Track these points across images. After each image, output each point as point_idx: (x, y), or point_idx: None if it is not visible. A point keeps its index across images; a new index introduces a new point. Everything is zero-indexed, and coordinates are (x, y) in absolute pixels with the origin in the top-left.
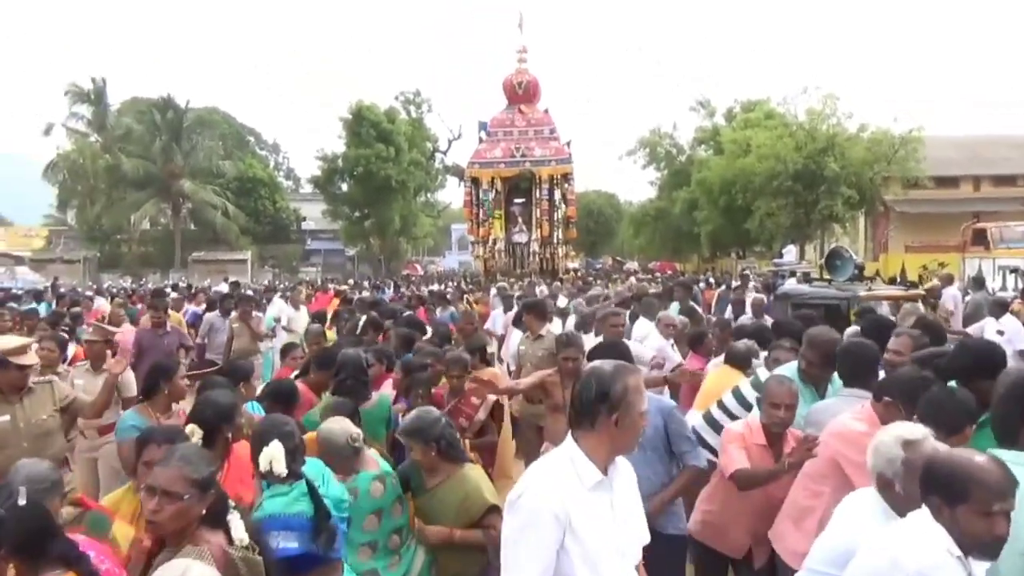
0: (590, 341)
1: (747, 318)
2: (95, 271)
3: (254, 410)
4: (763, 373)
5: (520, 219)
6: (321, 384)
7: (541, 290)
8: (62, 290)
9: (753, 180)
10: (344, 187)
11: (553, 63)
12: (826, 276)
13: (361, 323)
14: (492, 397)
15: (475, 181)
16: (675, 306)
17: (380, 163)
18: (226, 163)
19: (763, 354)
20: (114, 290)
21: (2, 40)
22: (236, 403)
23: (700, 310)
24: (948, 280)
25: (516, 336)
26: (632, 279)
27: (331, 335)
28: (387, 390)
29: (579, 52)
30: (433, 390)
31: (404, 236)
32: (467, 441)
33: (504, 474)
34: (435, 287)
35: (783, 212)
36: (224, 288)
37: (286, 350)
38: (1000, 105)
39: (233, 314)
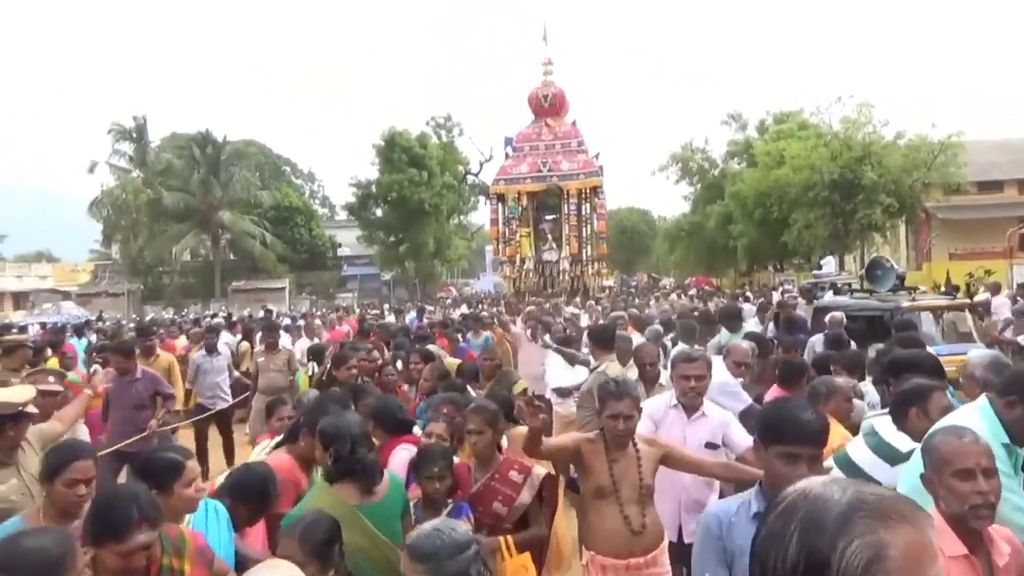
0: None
1: (813, 341)
2: (139, 303)
3: (208, 520)
4: (883, 426)
5: (550, 236)
6: (313, 455)
7: (571, 311)
8: (101, 324)
9: (788, 191)
10: (378, 212)
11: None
12: (867, 287)
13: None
14: (540, 470)
15: (501, 198)
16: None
17: (413, 188)
18: (263, 193)
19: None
20: (158, 321)
21: (49, 83)
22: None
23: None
24: (996, 289)
25: (555, 366)
26: (673, 296)
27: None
28: (398, 464)
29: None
30: (456, 459)
31: (438, 259)
32: (508, 538)
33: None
34: (462, 310)
35: (820, 223)
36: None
37: (272, 407)
38: None
39: (259, 347)
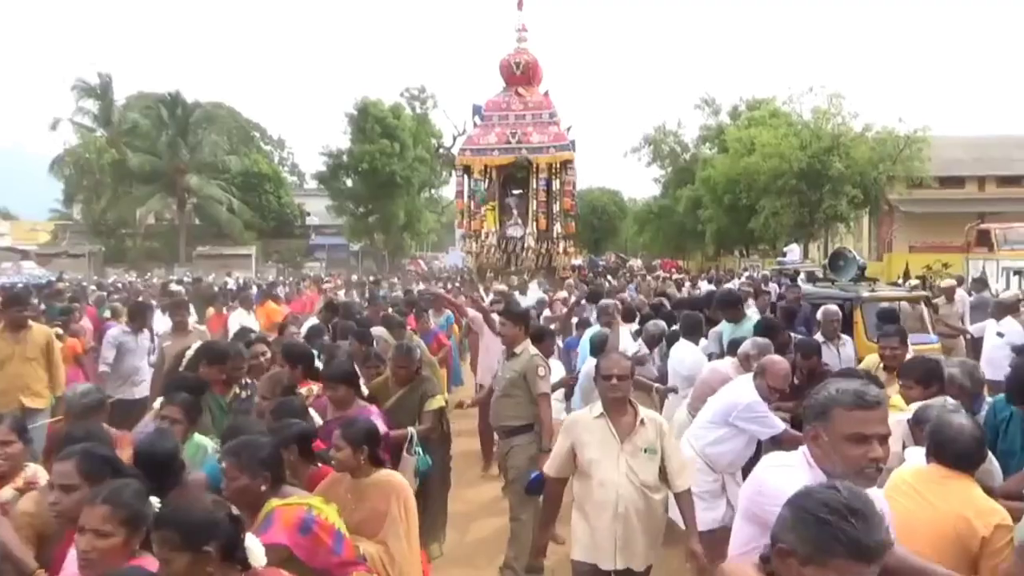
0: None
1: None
2: (100, 265)
3: None
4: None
5: (515, 212)
6: None
7: (540, 291)
8: (60, 285)
9: (758, 179)
10: (349, 183)
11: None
12: (830, 276)
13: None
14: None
15: (466, 170)
16: (725, 324)
17: (385, 159)
18: (231, 158)
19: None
20: (119, 285)
21: (8, 35)
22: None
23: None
24: (958, 282)
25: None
26: (650, 279)
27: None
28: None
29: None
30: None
31: (408, 232)
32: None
33: None
34: (420, 287)
35: (787, 211)
36: (231, 284)
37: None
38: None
39: (163, 328)
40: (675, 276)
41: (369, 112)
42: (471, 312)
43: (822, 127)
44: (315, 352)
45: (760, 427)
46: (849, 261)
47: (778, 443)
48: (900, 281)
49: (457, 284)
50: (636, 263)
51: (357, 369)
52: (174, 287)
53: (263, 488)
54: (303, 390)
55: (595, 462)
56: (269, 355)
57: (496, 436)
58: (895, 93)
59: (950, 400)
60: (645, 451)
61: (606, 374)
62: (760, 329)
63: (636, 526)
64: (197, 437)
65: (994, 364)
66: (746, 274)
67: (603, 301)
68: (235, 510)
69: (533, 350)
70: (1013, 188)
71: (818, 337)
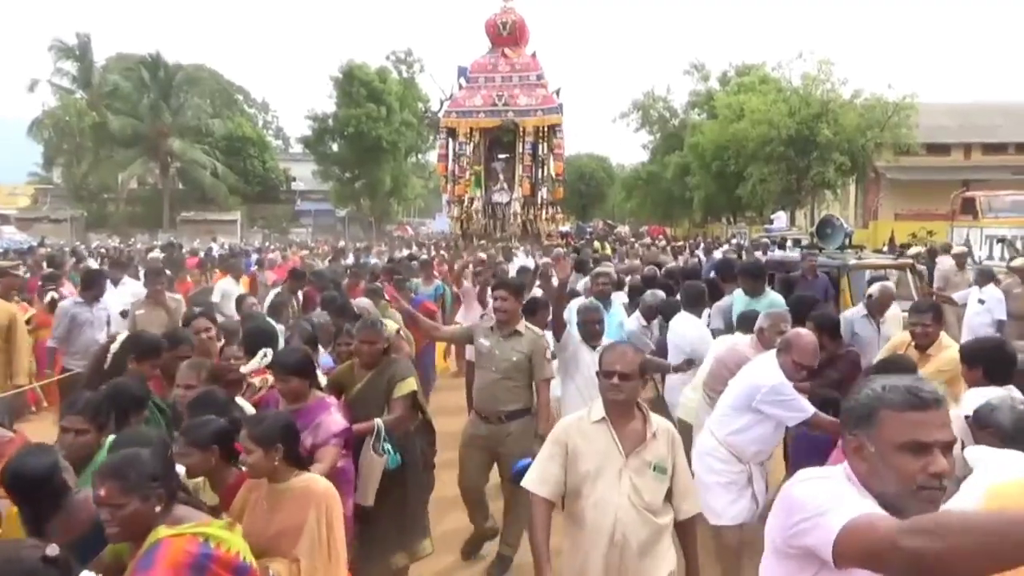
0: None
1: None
2: (82, 231)
3: None
4: None
5: (501, 176)
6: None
7: (527, 258)
8: (43, 250)
9: (746, 145)
10: (334, 147)
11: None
12: (817, 243)
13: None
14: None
15: (451, 132)
16: (739, 294)
17: (371, 123)
18: (215, 122)
19: None
20: (102, 250)
21: None
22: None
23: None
24: (945, 249)
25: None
26: (639, 246)
27: None
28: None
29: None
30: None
31: (395, 197)
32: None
33: None
34: (402, 252)
35: (775, 178)
36: (215, 250)
37: None
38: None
39: (135, 298)
40: (676, 244)
41: (355, 75)
42: (466, 284)
43: (811, 93)
44: (277, 329)
45: (786, 411)
46: (836, 229)
47: (808, 428)
48: (884, 249)
49: (442, 251)
50: (624, 230)
51: (318, 354)
52: (155, 254)
53: (157, 510)
54: (257, 380)
55: (591, 477)
56: (213, 332)
57: (483, 419)
58: (884, 59)
59: (1016, 392)
60: (654, 468)
61: (608, 370)
62: (795, 304)
63: (636, 557)
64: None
65: (974, 331)
66: (734, 241)
67: (598, 269)
68: (52, 550)
69: (537, 330)
70: (998, 156)
71: (857, 311)
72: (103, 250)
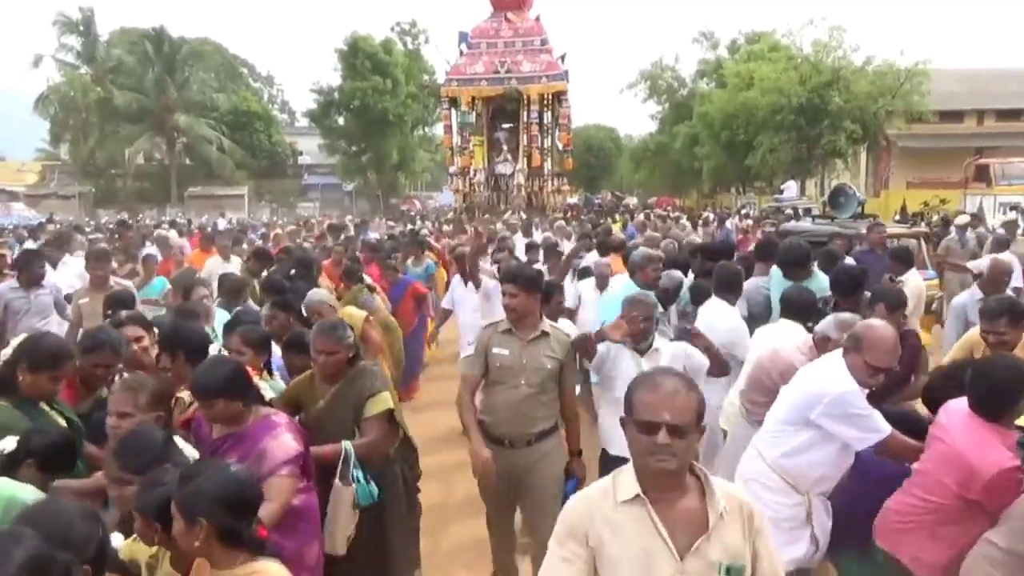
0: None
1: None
2: (91, 207)
3: None
4: None
5: (505, 147)
6: None
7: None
8: (51, 227)
9: (756, 114)
10: (340, 121)
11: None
12: (829, 213)
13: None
14: None
15: (453, 102)
16: (776, 274)
17: (377, 96)
18: (220, 96)
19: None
20: (110, 226)
21: None
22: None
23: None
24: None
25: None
26: (655, 217)
27: None
28: None
29: None
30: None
31: (402, 171)
32: None
33: None
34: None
35: (785, 147)
36: (222, 225)
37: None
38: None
39: (83, 284)
40: (702, 215)
41: (359, 48)
42: (486, 281)
43: (822, 61)
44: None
45: (856, 430)
46: (849, 197)
47: (883, 453)
48: (897, 218)
49: (446, 225)
50: (632, 201)
51: (266, 355)
52: (162, 231)
53: None
54: (185, 393)
55: None
56: (147, 341)
57: (500, 445)
58: (896, 25)
59: None
60: (727, 572)
61: (650, 419)
62: (841, 284)
63: None
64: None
65: None
66: (743, 211)
67: (648, 252)
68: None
69: (562, 327)
70: (1012, 122)
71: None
72: (111, 226)
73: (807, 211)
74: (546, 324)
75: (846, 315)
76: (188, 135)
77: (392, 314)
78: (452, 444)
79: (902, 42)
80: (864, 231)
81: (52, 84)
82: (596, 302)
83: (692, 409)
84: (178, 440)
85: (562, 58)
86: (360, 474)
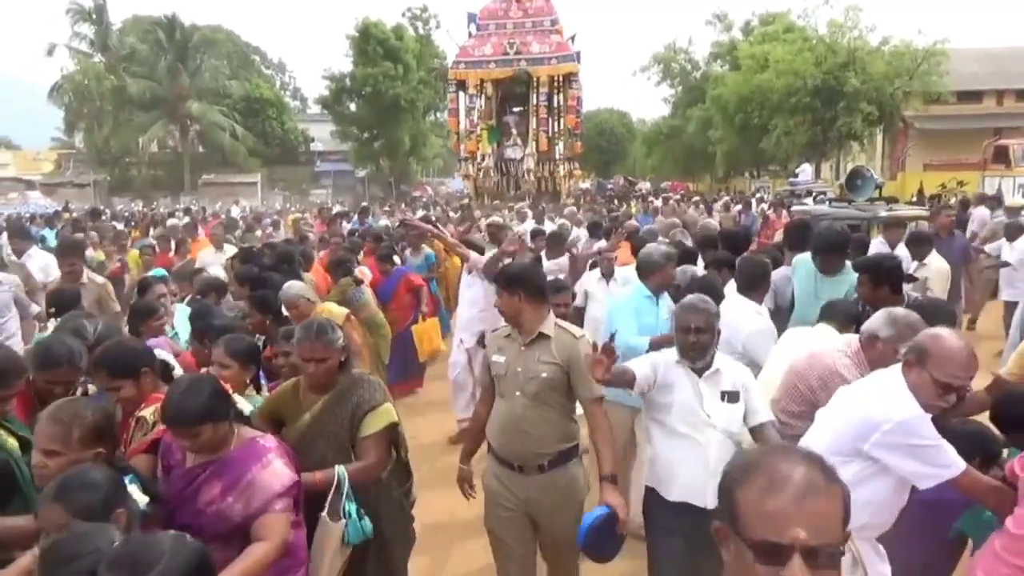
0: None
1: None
2: (106, 195)
3: None
4: None
5: (515, 131)
6: None
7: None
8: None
9: (770, 97)
10: (352, 107)
11: None
12: (846, 196)
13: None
14: None
15: (461, 85)
16: (802, 264)
17: (388, 82)
18: (232, 83)
19: None
20: (126, 214)
21: None
22: None
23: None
24: (979, 200)
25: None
26: (673, 202)
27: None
28: None
29: None
30: None
31: (414, 157)
32: None
33: None
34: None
35: (800, 130)
36: (236, 213)
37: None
38: None
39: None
40: (724, 198)
41: (370, 33)
42: (473, 256)
43: (838, 41)
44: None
45: (921, 464)
46: (867, 180)
47: (955, 489)
48: (914, 200)
49: (455, 211)
50: (645, 186)
51: (251, 371)
52: (173, 220)
53: None
54: (148, 412)
55: None
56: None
57: (507, 467)
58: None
59: None
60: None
61: (778, 539)
62: (871, 274)
63: None
64: None
65: (1013, 284)
66: (758, 195)
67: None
68: None
69: (573, 328)
70: None
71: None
72: (127, 213)
73: (822, 194)
74: (549, 325)
75: (899, 311)
76: (201, 123)
77: (386, 308)
78: (432, 456)
79: (920, 21)
80: (881, 214)
81: (66, 73)
82: (604, 295)
83: (838, 516)
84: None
85: (572, 39)
86: (353, 508)
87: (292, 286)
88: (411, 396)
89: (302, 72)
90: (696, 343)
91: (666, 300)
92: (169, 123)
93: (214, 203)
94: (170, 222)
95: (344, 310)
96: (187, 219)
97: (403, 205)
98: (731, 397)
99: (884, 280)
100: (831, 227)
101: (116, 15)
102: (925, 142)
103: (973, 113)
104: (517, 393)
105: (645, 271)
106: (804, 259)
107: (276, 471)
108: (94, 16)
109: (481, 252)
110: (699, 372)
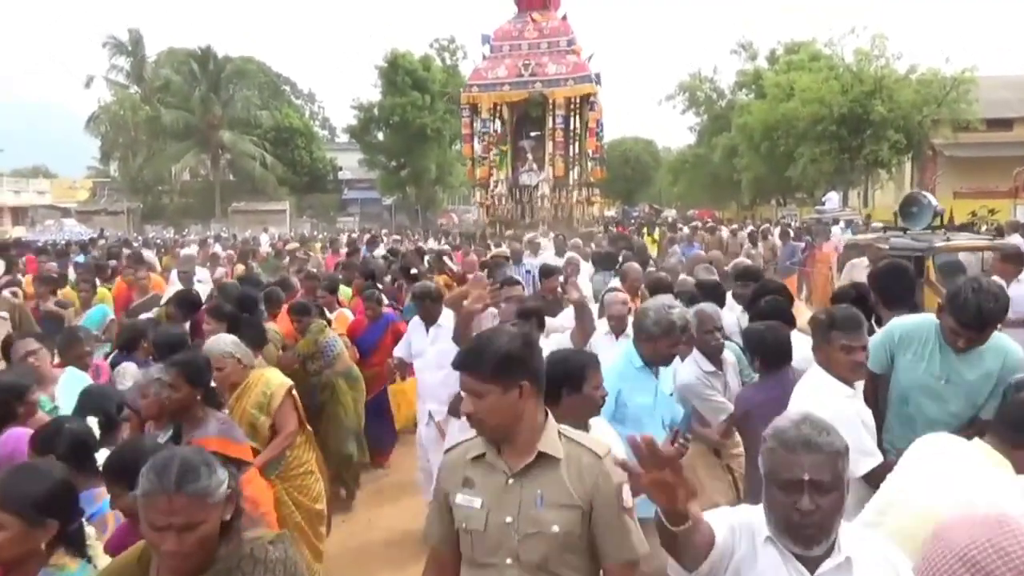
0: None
1: None
2: (139, 222)
3: None
4: None
5: (530, 156)
6: None
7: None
8: (102, 241)
9: (796, 125)
10: (380, 136)
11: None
12: (902, 224)
13: None
14: None
15: (474, 108)
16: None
17: (415, 111)
18: (263, 113)
19: None
20: (158, 241)
21: None
22: None
23: None
24: (1012, 228)
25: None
26: (724, 233)
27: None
28: None
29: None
30: None
31: (440, 185)
32: None
33: None
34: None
35: (827, 158)
36: (265, 240)
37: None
38: None
39: None
40: (760, 227)
41: (399, 64)
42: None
43: (864, 69)
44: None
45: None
46: (924, 207)
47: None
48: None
49: (469, 242)
50: (671, 214)
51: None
52: (188, 250)
53: None
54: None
55: None
56: (36, 396)
57: None
58: (941, 31)
59: None
60: None
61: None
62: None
63: None
64: None
65: None
66: (784, 221)
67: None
68: None
69: (596, 442)
70: None
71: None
72: (158, 241)
73: (848, 222)
74: (550, 438)
75: None
76: (232, 152)
77: (365, 363)
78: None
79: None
80: (937, 243)
81: (103, 104)
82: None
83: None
84: None
85: (590, 59)
86: None
87: (217, 341)
88: (379, 472)
89: (331, 102)
90: (814, 511)
91: (668, 372)
92: (201, 152)
93: (244, 230)
94: (184, 252)
95: (286, 382)
96: (218, 246)
97: (414, 235)
98: None
99: None
100: (979, 285)
101: (152, 48)
102: (954, 170)
103: (1003, 141)
104: (508, 561)
105: (637, 334)
106: (918, 324)
107: None
108: (130, 48)
109: None
110: (811, 565)
